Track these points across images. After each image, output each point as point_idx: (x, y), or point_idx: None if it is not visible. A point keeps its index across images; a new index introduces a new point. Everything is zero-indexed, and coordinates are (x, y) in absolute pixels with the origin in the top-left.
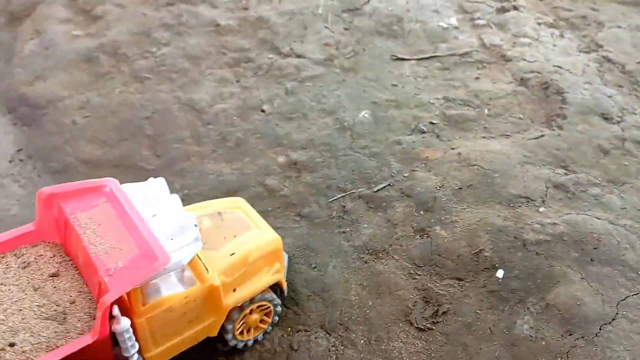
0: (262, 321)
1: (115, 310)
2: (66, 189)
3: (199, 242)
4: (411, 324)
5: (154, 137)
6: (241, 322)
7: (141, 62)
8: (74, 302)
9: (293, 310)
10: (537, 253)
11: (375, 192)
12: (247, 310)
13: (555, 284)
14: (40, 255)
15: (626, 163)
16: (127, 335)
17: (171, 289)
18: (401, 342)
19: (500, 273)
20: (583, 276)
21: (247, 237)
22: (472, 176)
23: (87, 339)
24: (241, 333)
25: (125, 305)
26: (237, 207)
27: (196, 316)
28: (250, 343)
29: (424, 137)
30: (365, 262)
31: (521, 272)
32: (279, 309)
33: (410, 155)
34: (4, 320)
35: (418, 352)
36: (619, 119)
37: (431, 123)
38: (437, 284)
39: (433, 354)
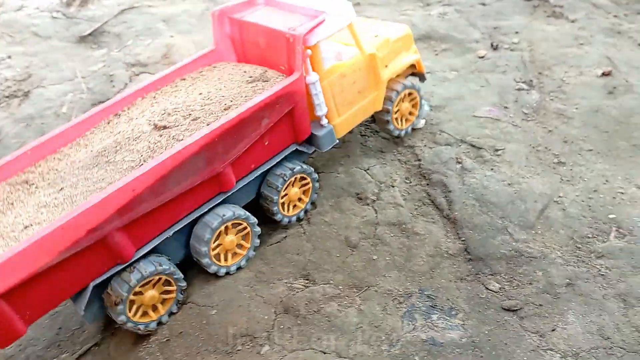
0: (410, 113)
1: (307, 54)
2: (231, 4)
3: (350, 3)
4: None
5: None
6: (396, 111)
7: None
8: (266, 71)
9: None
10: None
11: None
12: (400, 97)
13: None
14: (222, 65)
15: (375, 257)
16: (318, 89)
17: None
18: None
19: None
20: None
21: (381, 27)
22: (185, 318)
23: (294, 76)
24: (397, 121)
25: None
26: (361, 19)
27: (363, 87)
28: (409, 130)
29: None
30: None
31: None
32: (423, 102)
33: None
34: (221, 89)
35: None
36: (374, 197)
37: None
38: None
39: None
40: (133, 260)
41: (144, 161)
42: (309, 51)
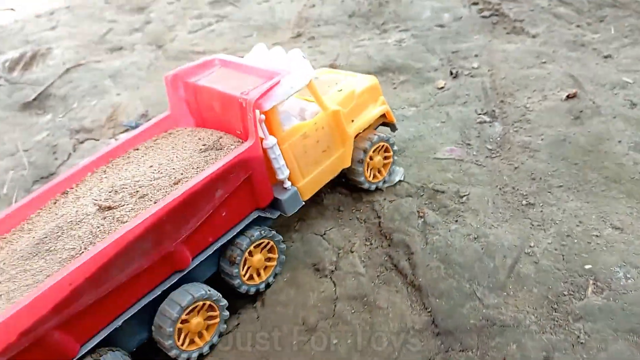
0: (383, 166)
1: (261, 119)
2: (184, 68)
3: (308, 61)
4: None
5: None
6: (368, 165)
7: None
8: (221, 137)
9: None
10: None
11: None
12: (371, 152)
13: None
14: (177, 131)
15: (335, 341)
16: (277, 153)
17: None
18: None
19: None
20: None
21: (346, 80)
22: None
23: (248, 143)
24: (369, 173)
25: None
26: (327, 72)
27: (328, 146)
28: (380, 184)
29: None
30: None
31: None
32: (395, 148)
33: None
34: (173, 160)
35: None
36: (332, 267)
37: None
38: None
39: None
40: (78, 357)
41: (85, 248)
42: (262, 116)
